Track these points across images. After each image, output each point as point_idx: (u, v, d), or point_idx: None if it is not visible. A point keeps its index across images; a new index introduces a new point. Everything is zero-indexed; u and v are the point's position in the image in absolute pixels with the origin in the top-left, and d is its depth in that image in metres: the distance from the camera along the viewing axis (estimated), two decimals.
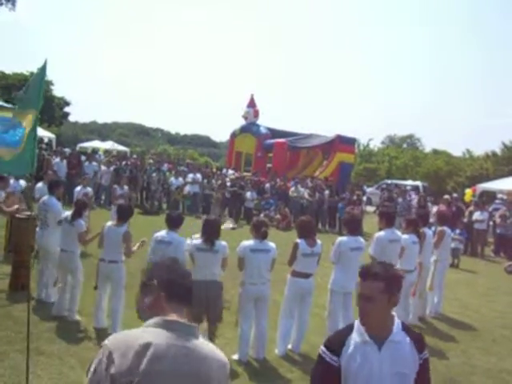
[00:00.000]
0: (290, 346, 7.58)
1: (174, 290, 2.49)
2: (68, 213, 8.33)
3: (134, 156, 33.75)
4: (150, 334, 2.32)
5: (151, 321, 2.41)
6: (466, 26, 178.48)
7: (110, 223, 7.82)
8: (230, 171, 26.73)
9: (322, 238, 7.79)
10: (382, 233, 8.31)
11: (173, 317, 2.43)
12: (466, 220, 19.16)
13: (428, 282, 9.89)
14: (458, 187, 38.65)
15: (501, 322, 10.15)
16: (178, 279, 2.54)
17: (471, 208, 20.04)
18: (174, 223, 7.48)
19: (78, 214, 8.19)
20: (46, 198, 9.02)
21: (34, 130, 8.30)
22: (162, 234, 7.41)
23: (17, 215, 9.62)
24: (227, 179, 23.70)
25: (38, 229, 8.89)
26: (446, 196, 21.98)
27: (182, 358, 2.34)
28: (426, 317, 9.89)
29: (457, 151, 69.41)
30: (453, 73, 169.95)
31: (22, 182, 12.23)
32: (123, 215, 7.81)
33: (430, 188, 34.88)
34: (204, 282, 6.88)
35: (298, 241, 7.43)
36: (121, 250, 7.56)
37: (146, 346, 2.25)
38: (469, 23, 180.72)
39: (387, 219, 8.48)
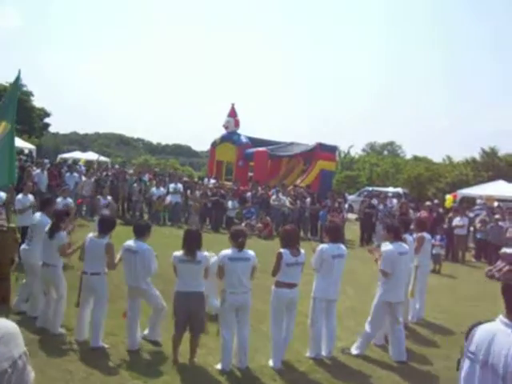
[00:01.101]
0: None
1: None
2: (48, 226, 8.25)
3: (116, 166, 33.61)
4: None
5: None
6: (445, 29, 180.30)
7: (91, 235, 7.71)
8: (212, 180, 26.70)
9: (304, 245, 7.78)
10: (390, 247, 8.14)
11: None
12: (446, 226, 19.31)
13: (409, 288, 9.93)
14: (438, 193, 38.88)
15: None
16: None
17: (451, 214, 20.19)
18: (140, 232, 7.54)
19: (57, 227, 8.05)
20: (38, 214, 8.92)
21: (10, 141, 8.28)
22: (130, 243, 7.47)
23: None
24: (208, 188, 23.69)
25: (23, 244, 8.82)
26: (428, 203, 22.15)
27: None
28: (408, 322, 9.92)
29: (437, 157, 69.73)
30: (433, 80, 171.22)
31: (2, 194, 12.09)
32: (105, 227, 7.73)
33: (410, 194, 35.06)
34: (186, 294, 6.93)
35: (282, 250, 7.36)
36: (103, 261, 7.48)
37: None
38: (448, 28, 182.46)
39: (395, 233, 8.36)
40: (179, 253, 7.03)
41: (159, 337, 7.63)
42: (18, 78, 8.38)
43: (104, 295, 7.60)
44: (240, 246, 7.06)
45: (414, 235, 10.58)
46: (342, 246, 7.98)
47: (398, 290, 8.13)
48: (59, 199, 13.04)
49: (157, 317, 7.61)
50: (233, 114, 31.85)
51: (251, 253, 7.17)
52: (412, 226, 10.65)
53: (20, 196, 11.83)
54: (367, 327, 8.19)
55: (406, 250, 8.28)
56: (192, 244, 7.00)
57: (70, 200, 13.52)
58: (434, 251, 14.16)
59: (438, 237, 16.76)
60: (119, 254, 7.64)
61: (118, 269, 7.73)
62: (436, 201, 25.05)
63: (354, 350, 8.17)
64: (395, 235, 8.28)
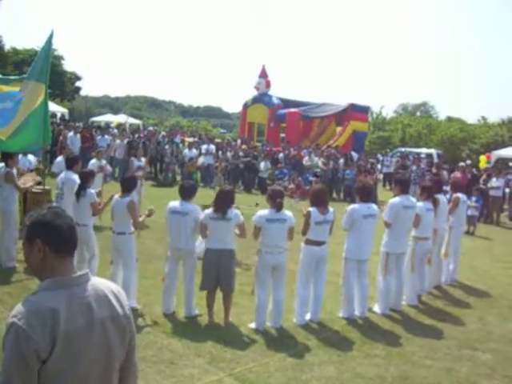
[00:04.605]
0: (308, 316, 7.59)
1: (59, 247, 2.43)
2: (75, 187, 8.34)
3: (150, 128, 33.66)
4: (51, 298, 2.32)
5: (47, 283, 2.39)
6: None
7: (117, 195, 7.75)
8: (239, 141, 26.59)
9: (337, 206, 7.74)
10: (396, 199, 8.28)
11: (65, 273, 2.41)
12: (481, 187, 19.00)
13: (443, 250, 9.86)
14: (472, 154, 38.27)
15: None
16: (63, 234, 2.44)
17: (485, 175, 19.88)
18: (187, 194, 7.46)
19: (85, 186, 8.16)
20: (64, 173, 9.12)
21: (45, 103, 8.27)
22: (175, 204, 7.38)
23: (32, 190, 9.70)
24: (240, 150, 23.68)
25: (54, 202, 8.96)
26: (462, 163, 21.85)
27: (88, 309, 2.38)
28: (442, 284, 9.89)
29: (471, 118, 68.45)
30: (467, 39, 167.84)
31: (31, 158, 12.21)
32: (126, 186, 7.73)
33: (444, 155, 34.57)
34: (216, 251, 7.00)
35: (311, 209, 7.41)
36: (128, 221, 7.49)
37: (53, 311, 2.26)
38: None
39: (402, 186, 8.44)
40: (210, 211, 7.08)
41: (196, 310, 7.49)
42: (50, 38, 8.29)
43: (131, 254, 7.59)
44: (278, 207, 7.07)
45: (448, 196, 10.47)
46: (374, 206, 7.93)
47: (399, 241, 8.21)
48: (93, 161, 13.08)
49: (190, 289, 7.41)
50: (264, 74, 31.61)
51: (288, 214, 7.18)
52: (446, 187, 10.56)
53: (59, 159, 11.96)
54: (379, 279, 8.30)
55: (412, 204, 8.35)
56: (222, 202, 7.04)
57: (104, 161, 13.57)
58: (468, 212, 14.01)
59: (473, 198, 16.53)
60: (146, 212, 7.66)
61: (151, 229, 7.74)
62: (469, 162, 24.70)
63: (376, 309, 8.23)
64: (402, 188, 8.39)
